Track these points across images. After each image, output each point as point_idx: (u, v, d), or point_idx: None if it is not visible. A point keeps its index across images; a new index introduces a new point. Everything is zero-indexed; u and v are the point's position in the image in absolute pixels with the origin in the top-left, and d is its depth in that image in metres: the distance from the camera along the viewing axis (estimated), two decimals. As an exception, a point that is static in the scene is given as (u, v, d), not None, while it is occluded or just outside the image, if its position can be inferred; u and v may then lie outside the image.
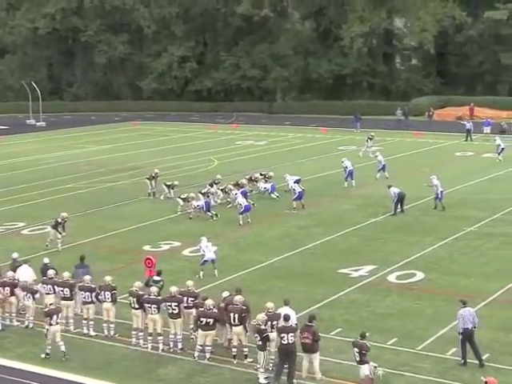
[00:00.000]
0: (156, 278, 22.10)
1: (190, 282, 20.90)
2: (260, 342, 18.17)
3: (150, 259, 23.73)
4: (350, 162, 41.25)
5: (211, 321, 19.37)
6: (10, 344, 20.78)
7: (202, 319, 19.43)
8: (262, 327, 18.12)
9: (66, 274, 21.73)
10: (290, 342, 18.02)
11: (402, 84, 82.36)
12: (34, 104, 76.97)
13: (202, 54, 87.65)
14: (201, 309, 19.59)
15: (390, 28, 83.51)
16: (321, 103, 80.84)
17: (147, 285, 21.31)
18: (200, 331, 19.51)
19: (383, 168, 42.67)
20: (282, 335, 18.11)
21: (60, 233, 29.21)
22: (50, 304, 20.10)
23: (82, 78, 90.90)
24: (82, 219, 34.77)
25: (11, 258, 24.29)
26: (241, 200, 33.33)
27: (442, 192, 34.91)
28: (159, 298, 20.28)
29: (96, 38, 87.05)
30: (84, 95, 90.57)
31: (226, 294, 20.33)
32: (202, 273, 25.61)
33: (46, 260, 23.49)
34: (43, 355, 19.77)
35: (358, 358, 17.41)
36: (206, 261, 25.92)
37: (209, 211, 33.70)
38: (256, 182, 38.36)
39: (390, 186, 35.21)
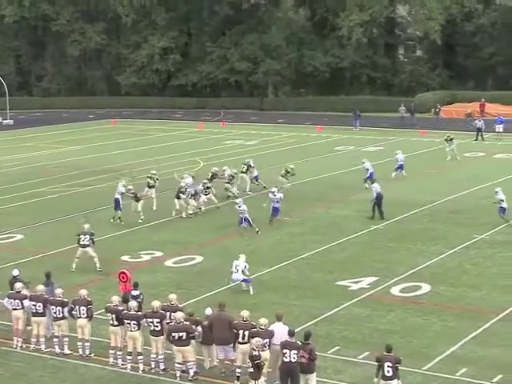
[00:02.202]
0: (134, 292, 21.92)
1: (172, 296, 20.84)
2: (251, 370, 18.02)
3: (124, 273, 23.58)
4: (370, 163, 41.55)
5: (184, 335, 19.32)
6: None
7: (173, 334, 19.39)
8: (255, 353, 18.00)
9: (40, 288, 21.59)
10: (293, 360, 18.01)
11: (406, 78, 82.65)
12: (0, 100, 76.73)
13: (187, 45, 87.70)
14: (171, 323, 19.58)
15: (393, 16, 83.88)
16: (316, 99, 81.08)
17: (125, 301, 21.17)
18: (174, 347, 19.50)
19: (400, 167, 43.62)
20: (285, 351, 18.10)
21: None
22: None
23: (54, 71, 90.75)
24: (54, 227, 34.68)
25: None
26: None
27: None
28: (139, 313, 20.22)
29: (69, 28, 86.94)
30: (55, 90, 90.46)
31: (209, 311, 20.22)
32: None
33: (16, 272, 23.33)
34: None
35: (389, 373, 17.41)
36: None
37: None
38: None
39: (373, 181, 35.65)
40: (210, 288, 25.89)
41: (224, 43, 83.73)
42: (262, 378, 18.11)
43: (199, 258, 29.40)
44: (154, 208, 36.78)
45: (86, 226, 28.58)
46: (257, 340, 18.26)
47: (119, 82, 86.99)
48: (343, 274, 27.19)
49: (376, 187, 35.29)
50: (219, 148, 56.62)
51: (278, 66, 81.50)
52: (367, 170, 40.72)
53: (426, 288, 25.76)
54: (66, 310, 20.93)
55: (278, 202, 33.94)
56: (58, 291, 21.29)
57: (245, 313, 19.42)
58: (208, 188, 37.26)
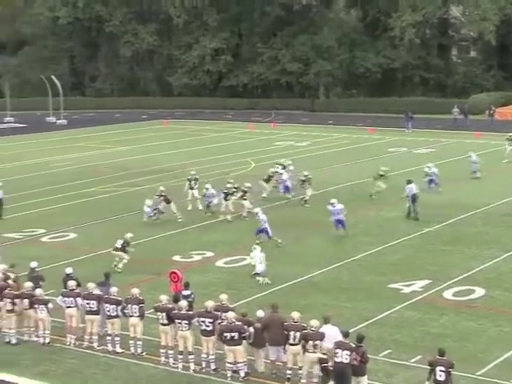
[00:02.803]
0: (185, 292, 22.00)
1: (223, 296, 20.87)
2: (320, 373, 17.92)
3: (175, 273, 23.67)
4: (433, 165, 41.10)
5: (236, 335, 19.34)
6: (28, 361, 20.90)
7: (225, 334, 19.42)
8: (324, 356, 17.89)
9: (91, 286, 21.80)
10: (345, 360, 17.95)
11: (460, 79, 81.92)
12: (54, 100, 77.79)
13: (238, 46, 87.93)
14: (223, 323, 19.60)
15: (446, 17, 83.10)
16: (368, 100, 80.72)
17: (176, 301, 21.24)
18: (226, 347, 19.53)
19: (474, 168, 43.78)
20: (337, 351, 18.07)
21: (126, 252, 28.63)
22: None
23: (107, 71, 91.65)
24: (106, 226, 35.00)
25: (29, 268, 24.43)
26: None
27: None
28: (190, 313, 20.26)
29: (122, 29, 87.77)
30: (108, 91, 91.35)
31: (260, 313, 20.15)
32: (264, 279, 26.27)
33: (69, 270, 23.59)
34: None
35: (442, 378, 17.25)
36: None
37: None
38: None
39: (409, 181, 35.48)
40: (260, 289, 25.89)
41: (275, 44, 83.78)
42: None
43: (249, 260, 29.37)
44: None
45: (129, 235, 28.73)
46: (328, 345, 18.09)
47: (171, 82, 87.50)
48: (395, 277, 27.00)
49: (412, 188, 35.14)
50: (270, 149, 56.62)
51: (329, 66, 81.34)
52: (434, 172, 39.97)
53: (479, 292, 25.45)
54: (119, 308, 21.11)
55: (339, 213, 31.99)
56: (114, 290, 21.46)
57: (295, 314, 19.36)
58: (231, 194, 35.87)
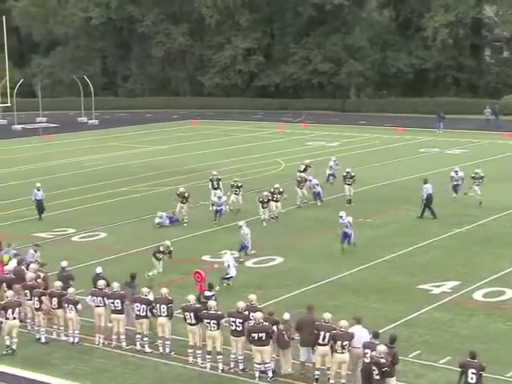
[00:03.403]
0: (207, 293, 22.00)
1: (252, 296, 20.91)
2: (378, 377, 17.91)
3: (199, 273, 23.81)
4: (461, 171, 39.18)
5: (263, 335, 19.36)
6: (58, 360, 21.09)
7: (253, 334, 19.44)
8: (382, 360, 17.89)
9: (116, 285, 21.93)
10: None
11: (492, 79, 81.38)
12: (86, 100, 78.33)
13: (270, 46, 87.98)
14: (251, 323, 19.64)
15: (479, 17, 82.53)
16: (399, 100, 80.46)
17: (199, 301, 21.32)
18: (253, 347, 19.57)
19: None
20: (366, 351, 18.11)
21: (159, 260, 28.48)
22: (7, 297, 21.44)
23: (138, 72, 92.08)
24: (137, 226, 35.21)
25: (60, 267, 24.64)
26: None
27: None
28: (219, 312, 20.35)
29: (154, 29, 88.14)
30: (140, 91, 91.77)
31: (287, 316, 20.11)
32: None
33: (99, 269, 23.76)
34: (4, 352, 21.09)
35: (473, 380, 17.17)
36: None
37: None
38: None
39: (426, 181, 35.31)
40: (288, 290, 25.91)
41: (307, 44, 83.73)
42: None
43: (279, 259, 29.44)
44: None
45: (168, 242, 28.42)
46: (382, 346, 18.09)
47: (202, 82, 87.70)
48: (425, 278, 26.92)
49: (428, 188, 35.06)
50: (301, 149, 56.60)
51: (361, 67, 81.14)
52: (461, 177, 38.53)
53: (510, 293, 25.29)
54: (149, 308, 21.20)
55: (347, 226, 30.24)
56: (145, 290, 21.53)
57: (327, 315, 19.35)
58: (238, 187, 36.81)
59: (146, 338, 21.37)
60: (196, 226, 34.57)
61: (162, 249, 27.55)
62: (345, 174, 38.57)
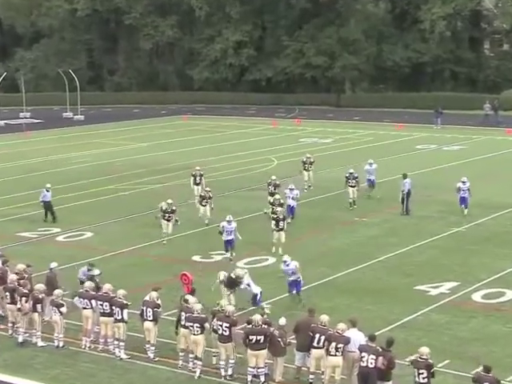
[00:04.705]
0: (188, 296, 21.68)
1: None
2: (425, 380, 17.88)
3: (185, 275, 23.79)
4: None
5: (261, 338, 19.22)
6: (41, 365, 21.02)
7: (251, 337, 19.30)
8: (430, 361, 17.85)
9: (107, 286, 21.86)
10: (370, 365, 18.00)
11: (492, 73, 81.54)
12: (71, 95, 78.23)
13: (261, 39, 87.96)
14: (249, 326, 19.51)
15: (478, 9, 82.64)
16: (396, 95, 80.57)
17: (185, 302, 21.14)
18: (249, 351, 19.40)
19: None
20: (363, 355, 18.13)
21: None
22: None
23: (126, 65, 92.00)
24: (124, 225, 35.16)
25: (48, 268, 24.36)
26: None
27: None
28: (203, 316, 20.01)
29: (141, 21, 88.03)
30: (127, 85, 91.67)
31: (283, 321, 19.96)
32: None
33: (97, 271, 23.60)
34: None
35: None
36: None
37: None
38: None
39: (405, 176, 35.54)
40: (284, 290, 25.87)
41: (300, 37, 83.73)
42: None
43: (272, 259, 29.44)
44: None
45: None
46: (425, 348, 17.96)
47: (192, 76, 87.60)
48: (422, 278, 26.94)
49: (407, 183, 35.39)
50: (294, 146, 56.59)
51: (355, 60, 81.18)
52: (462, 189, 35.54)
53: (510, 294, 25.36)
54: (125, 312, 21.05)
55: (294, 272, 25.35)
56: (121, 292, 21.39)
57: (324, 317, 19.31)
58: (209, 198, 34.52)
59: (122, 343, 21.21)
60: (186, 225, 34.48)
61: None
62: (347, 175, 37.45)
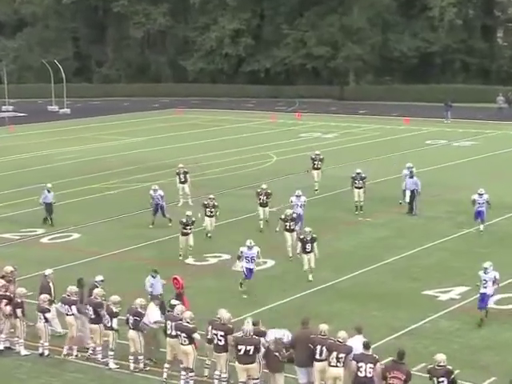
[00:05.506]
0: (174, 301, 21.56)
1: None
2: None
3: (176, 279, 23.76)
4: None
5: (251, 349, 18.81)
6: (25, 375, 21.00)
7: (239, 347, 18.88)
8: (449, 367, 17.78)
9: (95, 291, 21.78)
10: (369, 374, 17.94)
11: (505, 64, 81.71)
12: (56, 87, 78.29)
13: (259, 28, 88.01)
14: (238, 334, 19.15)
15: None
16: (403, 88, 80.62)
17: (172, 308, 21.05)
18: (238, 365, 18.98)
19: None
20: (360, 365, 18.02)
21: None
22: None
23: (114, 56, 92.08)
24: (113, 225, 35.15)
25: (43, 275, 24.10)
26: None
27: None
28: (192, 326, 19.67)
29: (131, 8, 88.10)
30: (116, 77, 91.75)
31: (279, 333, 19.58)
32: None
33: (99, 277, 23.41)
34: None
35: None
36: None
37: None
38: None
39: (412, 176, 35.85)
40: (282, 295, 25.88)
41: (301, 25, 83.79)
42: None
43: (271, 262, 29.40)
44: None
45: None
46: (441, 355, 17.93)
47: (185, 67, 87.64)
48: (430, 283, 26.96)
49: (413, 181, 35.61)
50: (294, 141, 56.63)
51: (360, 50, 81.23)
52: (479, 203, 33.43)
53: (525, 300, 25.44)
54: (114, 320, 20.98)
55: (254, 258, 26.54)
56: (113, 298, 21.37)
57: (324, 326, 19.04)
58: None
59: (99, 349, 21.24)
60: (177, 226, 34.46)
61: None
62: (354, 176, 36.16)
